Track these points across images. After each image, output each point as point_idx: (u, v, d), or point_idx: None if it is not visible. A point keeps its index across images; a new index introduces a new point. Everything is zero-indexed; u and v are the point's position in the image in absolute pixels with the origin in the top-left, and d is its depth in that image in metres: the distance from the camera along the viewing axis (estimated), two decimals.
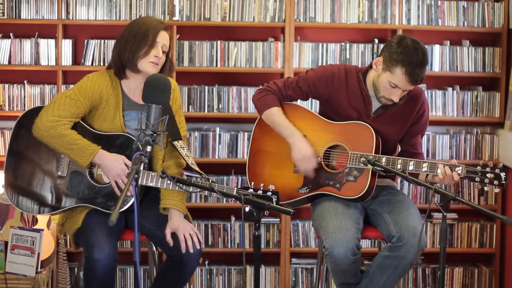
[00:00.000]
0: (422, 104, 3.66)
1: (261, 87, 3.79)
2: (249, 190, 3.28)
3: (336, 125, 3.65)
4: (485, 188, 3.37)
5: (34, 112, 3.51)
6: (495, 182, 3.34)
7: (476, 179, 3.36)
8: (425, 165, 3.45)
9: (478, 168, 3.35)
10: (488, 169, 3.34)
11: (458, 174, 3.37)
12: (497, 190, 3.38)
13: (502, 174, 3.33)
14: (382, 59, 3.50)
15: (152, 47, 3.45)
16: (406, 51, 3.42)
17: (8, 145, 3.61)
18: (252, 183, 3.36)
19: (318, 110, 3.79)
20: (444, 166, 3.39)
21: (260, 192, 3.27)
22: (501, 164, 3.38)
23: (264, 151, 3.78)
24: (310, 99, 3.87)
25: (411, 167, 3.46)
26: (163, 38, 3.48)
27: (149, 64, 3.45)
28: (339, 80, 3.65)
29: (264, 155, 3.77)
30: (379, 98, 3.56)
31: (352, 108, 3.64)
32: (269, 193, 3.27)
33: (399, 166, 3.47)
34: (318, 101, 3.80)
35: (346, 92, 3.64)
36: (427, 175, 3.48)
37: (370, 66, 3.62)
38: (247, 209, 3.14)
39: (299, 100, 3.82)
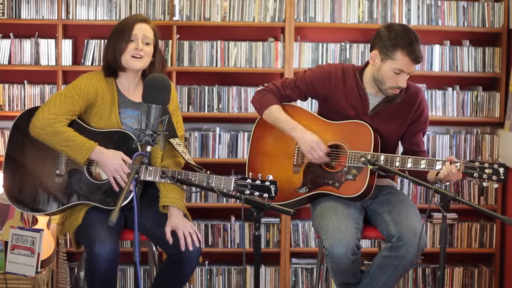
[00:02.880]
0: (421, 102, 3.67)
1: (261, 87, 3.80)
2: (247, 181, 3.29)
3: (334, 125, 3.66)
4: (484, 184, 3.36)
5: (30, 114, 3.51)
6: (494, 177, 3.32)
7: (474, 175, 3.35)
8: (423, 161, 3.45)
9: (477, 164, 3.36)
10: (486, 165, 3.34)
11: (458, 170, 3.38)
12: (496, 185, 3.38)
13: (501, 170, 3.32)
14: (377, 51, 3.54)
15: (129, 41, 3.46)
16: (400, 34, 3.49)
17: (5, 148, 3.61)
18: (250, 173, 3.37)
19: (317, 110, 3.80)
20: (447, 164, 3.39)
21: (258, 182, 3.28)
22: (499, 160, 3.38)
23: (263, 152, 3.78)
24: (309, 99, 3.88)
25: (409, 165, 3.46)
26: (141, 30, 3.48)
27: (131, 58, 3.47)
28: (336, 79, 3.66)
29: (263, 157, 3.77)
30: (385, 91, 3.57)
31: (350, 106, 3.65)
32: (267, 183, 3.28)
33: (397, 164, 3.48)
34: (317, 102, 3.81)
35: (344, 90, 3.65)
36: (437, 173, 3.47)
37: (366, 64, 3.64)
38: (247, 192, 3.18)
39: (298, 101, 3.82)
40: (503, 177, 3.32)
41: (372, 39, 3.59)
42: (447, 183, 3.54)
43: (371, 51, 3.58)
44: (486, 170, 3.33)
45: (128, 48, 3.46)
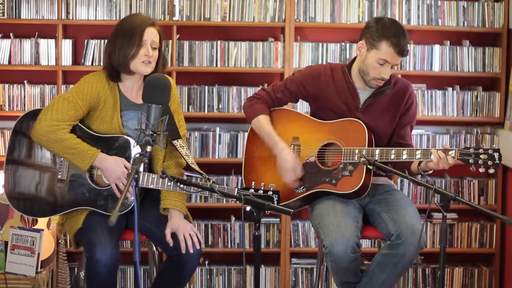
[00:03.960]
0: (410, 95, 3.72)
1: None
2: (250, 191, 3.29)
3: (327, 124, 3.68)
4: (480, 170, 3.39)
5: (30, 116, 3.49)
6: (489, 162, 3.35)
7: (470, 161, 3.38)
8: (418, 152, 3.48)
9: (471, 150, 3.38)
10: (481, 151, 3.37)
11: (452, 157, 3.40)
12: (492, 171, 3.40)
13: (496, 154, 3.35)
14: (364, 41, 3.59)
15: (140, 46, 3.42)
16: (387, 26, 3.54)
17: (6, 151, 3.59)
18: (253, 182, 3.37)
19: (309, 112, 3.82)
20: (437, 151, 3.42)
21: (261, 192, 3.28)
22: (494, 145, 3.40)
23: (259, 155, 3.79)
24: (300, 102, 3.90)
25: (404, 156, 3.49)
26: (150, 34, 3.45)
27: (141, 64, 3.44)
28: (325, 77, 3.70)
29: (259, 159, 3.78)
30: (369, 82, 3.61)
31: (342, 102, 3.68)
32: (269, 193, 3.28)
33: (393, 156, 3.49)
34: (308, 104, 3.83)
35: (334, 87, 3.68)
36: (420, 162, 3.50)
37: (354, 60, 3.69)
38: (247, 208, 3.15)
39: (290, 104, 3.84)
40: (498, 162, 3.35)
41: (362, 30, 3.62)
42: (429, 173, 3.55)
43: (359, 40, 3.61)
44: (481, 156, 3.36)
45: (140, 53, 3.42)
